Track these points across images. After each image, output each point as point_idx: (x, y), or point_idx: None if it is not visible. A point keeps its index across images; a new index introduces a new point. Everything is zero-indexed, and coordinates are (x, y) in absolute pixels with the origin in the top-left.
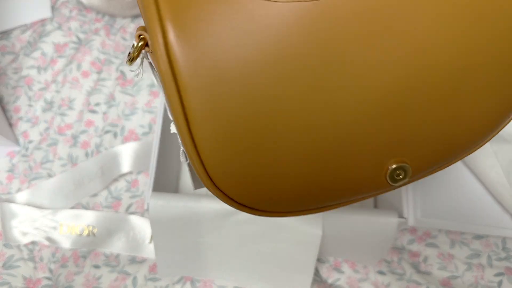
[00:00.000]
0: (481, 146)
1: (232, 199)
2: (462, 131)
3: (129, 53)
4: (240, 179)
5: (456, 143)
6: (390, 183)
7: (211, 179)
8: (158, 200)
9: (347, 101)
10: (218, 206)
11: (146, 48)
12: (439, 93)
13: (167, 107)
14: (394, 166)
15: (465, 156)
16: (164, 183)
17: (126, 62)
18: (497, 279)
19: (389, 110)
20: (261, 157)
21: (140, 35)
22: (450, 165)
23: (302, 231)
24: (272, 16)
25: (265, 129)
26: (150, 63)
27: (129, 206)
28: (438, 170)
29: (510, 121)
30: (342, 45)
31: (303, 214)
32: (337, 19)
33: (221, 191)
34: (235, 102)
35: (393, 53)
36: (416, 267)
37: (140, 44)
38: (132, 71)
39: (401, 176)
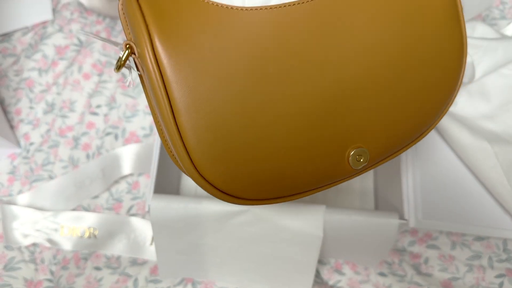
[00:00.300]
0: (426, 133)
1: (215, 186)
2: (407, 118)
3: (117, 61)
4: (222, 168)
5: (403, 129)
6: (353, 167)
7: (196, 169)
8: (159, 202)
9: (308, 98)
10: (219, 207)
11: (133, 55)
12: (384, 86)
13: (154, 103)
14: (353, 151)
15: (414, 143)
16: (165, 185)
17: (114, 69)
18: (498, 280)
19: (343, 103)
20: (239, 148)
21: (126, 45)
22: (403, 151)
23: (303, 232)
24: (243, 22)
25: (243, 122)
26: (136, 68)
27: (130, 208)
28: (394, 155)
29: (447, 110)
30: (301, 46)
31: (280, 202)
32: (297, 25)
33: (205, 179)
34: (216, 95)
35: (342, 52)
36: (417, 269)
37: (127, 52)
38: (124, 83)
39: (361, 160)
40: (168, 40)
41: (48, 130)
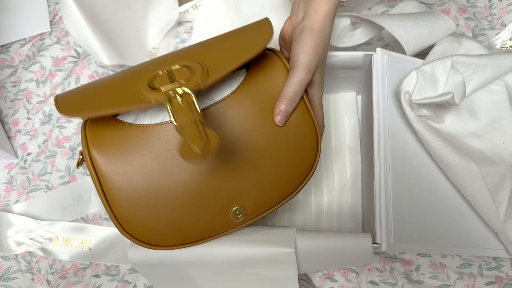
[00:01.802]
0: (290, 198)
1: (134, 237)
2: (275, 187)
3: (77, 162)
4: (138, 225)
5: (272, 194)
6: (234, 220)
7: (121, 226)
8: (136, 250)
9: (192, 181)
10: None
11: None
12: (256, 167)
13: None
14: (234, 208)
15: (283, 203)
16: None
17: (76, 166)
18: (489, 287)
19: (223, 180)
20: (149, 214)
21: (80, 153)
22: (277, 207)
23: (276, 253)
24: (144, 134)
25: (152, 197)
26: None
27: None
28: (270, 211)
29: (304, 184)
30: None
31: (183, 247)
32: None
33: (128, 233)
34: (135, 186)
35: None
36: (408, 277)
37: (80, 157)
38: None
39: (240, 215)
40: (98, 150)
41: (45, 141)
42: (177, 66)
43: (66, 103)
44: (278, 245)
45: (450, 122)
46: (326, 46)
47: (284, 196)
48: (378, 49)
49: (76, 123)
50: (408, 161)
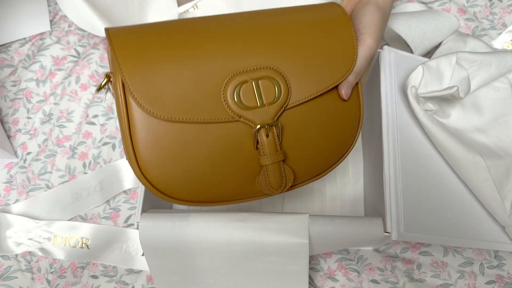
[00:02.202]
0: (333, 168)
1: (154, 186)
2: (314, 162)
3: (99, 84)
4: (161, 175)
5: (307, 169)
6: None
7: (139, 167)
8: (148, 221)
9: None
10: (205, 225)
11: (110, 83)
12: (299, 138)
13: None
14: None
15: (314, 179)
16: (157, 200)
17: (96, 91)
18: (489, 287)
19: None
20: (176, 160)
21: (107, 74)
22: (304, 184)
23: (289, 243)
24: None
25: (179, 144)
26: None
27: (128, 217)
28: (298, 186)
29: (347, 154)
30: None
31: (200, 205)
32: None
33: (149, 182)
34: (164, 127)
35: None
36: (409, 275)
37: (105, 80)
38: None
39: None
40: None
41: (45, 140)
42: (263, 74)
43: (125, 47)
44: (291, 235)
45: (455, 117)
46: (385, 25)
47: (321, 170)
48: (386, 47)
49: (76, 122)
50: (416, 153)
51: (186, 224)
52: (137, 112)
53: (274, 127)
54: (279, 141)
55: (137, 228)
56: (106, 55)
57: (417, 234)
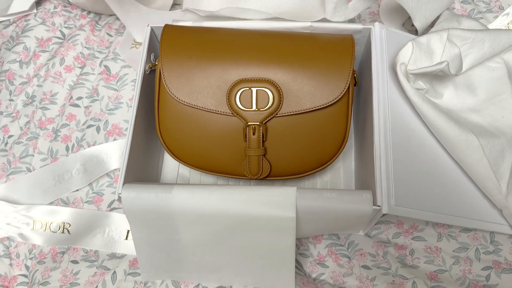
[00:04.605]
0: (310, 173)
1: (168, 148)
2: (295, 162)
3: (151, 64)
4: (174, 140)
5: (288, 167)
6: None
7: (162, 137)
8: (130, 192)
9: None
10: (188, 196)
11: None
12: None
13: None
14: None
15: (301, 176)
16: (143, 176)
17: (148, 66)
18: (485, 273)
19: None
20: (186, 132)
21: (157, 61)
22: (281, 178)
23: (275, 216)
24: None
25: (189, 122)
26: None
27: (112, 202)
28: (276, 178)
29: (332, 161)
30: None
31: (200, 170)
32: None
33: (165, 144)
34: (187, 110)
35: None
36: (402, 261)
37: (154, 63)
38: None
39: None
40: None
41: (28, 122)
42: (262, 85)
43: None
44: (278, 208)
45: (448, 97)
46: None
47: (300, 171)
48: (377, 24)
49: (59, 104)
50: (407, 130)
51: (170, 196)
52: (164, 92)
53: (261, 127)
54: (263, 139)
55: (119, 200)
56: (91, 37)
57: (409, 209)
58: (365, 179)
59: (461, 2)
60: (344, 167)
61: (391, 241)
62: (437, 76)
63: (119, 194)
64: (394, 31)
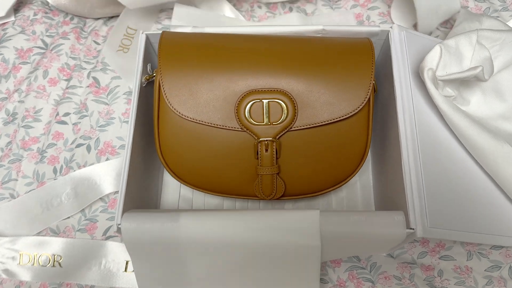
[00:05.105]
0: (329, 190)
1: (169, 167)
2: (311, 181)
3: (149, 75)
4: (177, 159)
5: (303, 186)
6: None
7: (162, 156)
8: (131, 222)
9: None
10: (199, 226)
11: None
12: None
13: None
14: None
15: (321, 193)
16: (142, 201)
17: (144, 78)
18: None
19: None
20: (190, 151)
21: (155, 71)
22: (297, 198)
23: (298, 246)
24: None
25: (193, 139)
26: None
27: (107, 229)
28: (290, 198)
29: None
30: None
31: (204, 191)
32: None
33: (166, 163)
34: (189, 124)
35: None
36: (430, 284)
37: (154, 75)
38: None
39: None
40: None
41: (9, 143)
42: (274, 96)
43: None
44: (300, 236)
45: (476, 104)
46: None
47: (316, 190)
48: (395, 26)
49: (44, 122)
50: (436, 141)
51: (177, 226)
52: (164, 106)
53: (274, 143)
54: (276, 156)
55: (118, 231)
56: (77, 46)
57: (445, 230)
58: (389, 196)
59: (475, 0)
60: (361, 182)
61: (417, 262)
62: (464, 82)
63: (118, 225)
64: (414, 33)
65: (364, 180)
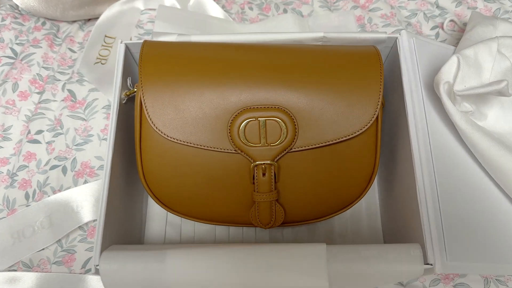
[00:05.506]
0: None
1: (154, 194)
2: (311, 207)
3: (129, 91)
4: (162, 185)
5: (302, 212)
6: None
7: (146, 182)
8: (110, 264)
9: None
10: (189, 267)
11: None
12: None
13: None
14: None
15: (320, 220)
16: (124, 230)
17: (124, 94)
18: None
19: None
20: (177, 176)
21: (136, 85)
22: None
23: (302, 286)
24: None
25: (181, 163)
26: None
27: (87, 261)
28: (289, 225)
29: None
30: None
31: (194, 220)
32: None
33: (150, 189)
34: (174, 146)
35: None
36: None
37: (135, 90)
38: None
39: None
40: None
41: None
42: (271, 114)
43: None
44: (305, 275)
45: (493, 119)
46: None
47: (319, 215)
48: (404, 32)
49: (15, 141)
50: (453, 164)
51: (163, 267)
52: (147, 127)
53: (272, 167)
54: (275, 181)
55: (96, 273)
56: (50, 54)
57: (466, 263)
58: (400, 222)
59: (484, 0)
60: (366, 203)
61: None
62: (482, 95)
63: (96, 266)
64: (425, 40)
65: (369, 200)
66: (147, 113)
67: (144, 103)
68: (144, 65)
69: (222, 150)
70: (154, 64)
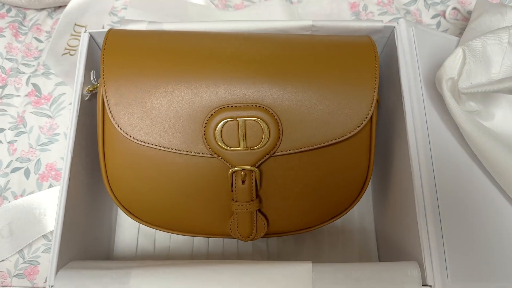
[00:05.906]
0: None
1: (121, 204)
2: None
3: (92, 86)
4: (130, 193)
5: (288, 223)
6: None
7: (111, 190)
8: (67, 284)
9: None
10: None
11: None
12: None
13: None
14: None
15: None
16: (88, 240)
17: (87, 89)
18: None
19: None
20: (146, 182)
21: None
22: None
23: None
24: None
25: (150, 168)
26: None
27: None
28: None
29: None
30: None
31: (167, 231)
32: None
33: (116, 198)
34: (140, 150)
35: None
36: None
37: (96, 85)
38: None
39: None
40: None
41: None
42: (251, 114)
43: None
44: None
45: (501, 119)
46: None
47: (305, 226)
48: (402, 20)
49: None
50: (456, 169)
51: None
52: (111, 127)
53: (253, 173)
54: (256, 188)
55: None
56: (14, 44)
57: (470, 283)
58: (396, 234)
59: None
60: (359, 211)
61: None
62: (490, 93)
63: (51, 287)
64: (425, 30)
65: (363, 206)
66: (110, 112)
67: (107, 101)
68: (107, 58)
69: (196, 154)
70: (118, 56)
